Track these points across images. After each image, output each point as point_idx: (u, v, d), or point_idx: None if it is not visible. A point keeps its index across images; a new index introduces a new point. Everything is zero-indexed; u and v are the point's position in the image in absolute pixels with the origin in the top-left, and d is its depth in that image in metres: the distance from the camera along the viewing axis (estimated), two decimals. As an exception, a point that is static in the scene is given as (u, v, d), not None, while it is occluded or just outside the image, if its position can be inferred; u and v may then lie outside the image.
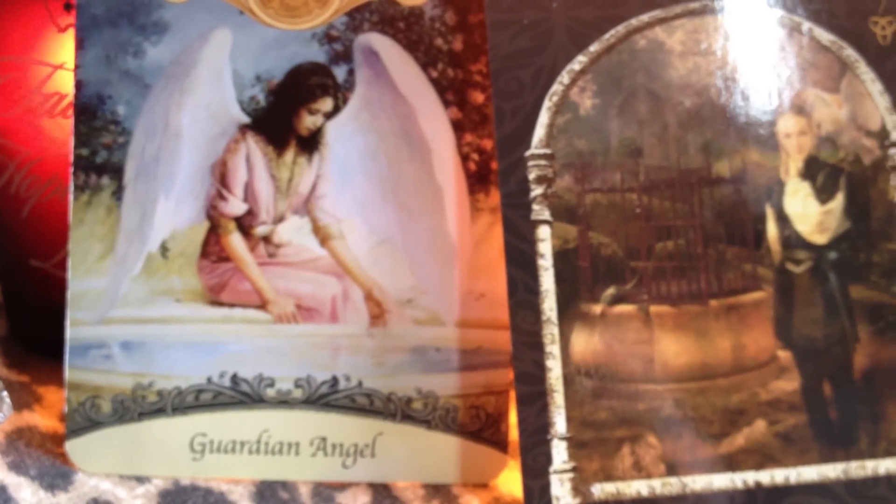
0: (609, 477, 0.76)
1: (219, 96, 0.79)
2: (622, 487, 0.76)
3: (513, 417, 0.78)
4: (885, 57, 0.78)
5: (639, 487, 0.76)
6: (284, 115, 0.79)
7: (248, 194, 0.80)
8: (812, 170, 0.78)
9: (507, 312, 0.76)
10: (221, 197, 0.80)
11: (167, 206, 0.79)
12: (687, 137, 0.77)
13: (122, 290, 0.79)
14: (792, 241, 0.77)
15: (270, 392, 0.80)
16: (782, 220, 0.77)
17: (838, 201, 0.78)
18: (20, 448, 0.80)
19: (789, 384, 0.77)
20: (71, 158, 0.79)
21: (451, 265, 0.80)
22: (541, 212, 0.76)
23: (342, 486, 0.80)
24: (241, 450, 0.80)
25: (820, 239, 0.78)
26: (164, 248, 0.80)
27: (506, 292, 0.76)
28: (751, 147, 0.77)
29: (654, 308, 0.77)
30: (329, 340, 0.80)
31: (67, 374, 0.79)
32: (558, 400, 0.75)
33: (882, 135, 0.78)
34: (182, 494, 0.79)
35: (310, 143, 0.80)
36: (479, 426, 0.80)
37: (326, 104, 0.79)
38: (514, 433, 0.78)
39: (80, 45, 0.78)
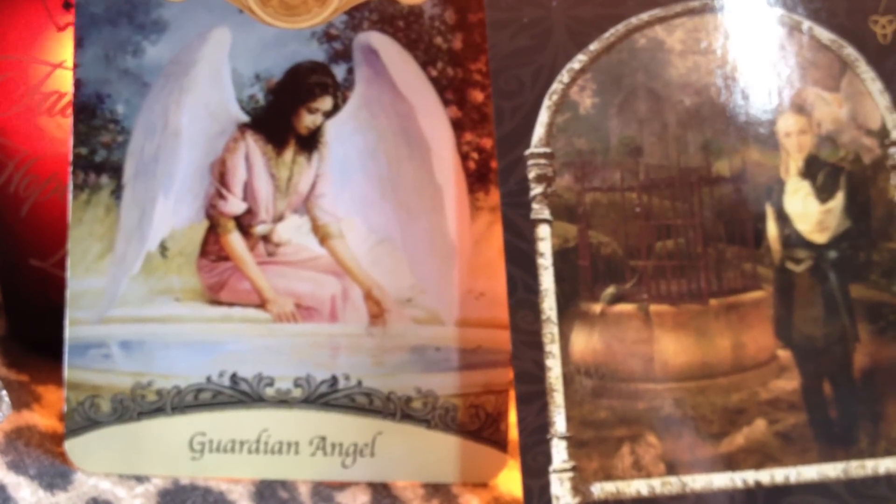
0: (609, 476, 0.76)
1: (218, 95, 0.79)
2: (622, 487, 0.76)
3: (512, 417, 0.78)
4: (886, 56, 0.78)
5: (638, 487, 0.76)
6: (284, 113, 0.79)
7: (248, 193, 0.80)
8: (812, 169, 0.78)
9: (507, 311, 0.76)
10: (221, 196, 0.80)
11: (166, 205, 0.79)
12: (687, 136, 0.77)
13: (121, 290, 0.79)
14: (792, 240, 0.77)
15: (270, 391, 0.80)
16: (782, 219, 0.77)
17: (838, 200, 0.78)
18: (19, 447, 0.80)
19: (789, 383, 0.77)
20: (70, 157, 0.79)
21: (451, 264, 0.79)
22: (540, 211, 0.76)
23: (342, 486, 0.80)
24: (241, 449, 0.80)
25: (820, 238, 0.78)
26: (163, 248, 0.80)
27: (505, 291, 0.76)
28: (751, 146, 0.77)
29: (653, 307, 0.77)
30: (328, 340, 0.80)
31: (66, 373, 0.79)
32: (558, 399, 0.75)
33: (882, 134, 0.78)
34: (181, 494, 0.79)
35: (309, 142, 0.80)
36: (479, 425, 0.80)
37: (326, 103, 0.79)
38: (513, 432, 0.78)
39: (80, 43, 0.78)
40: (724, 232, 0.77)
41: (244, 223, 0.80)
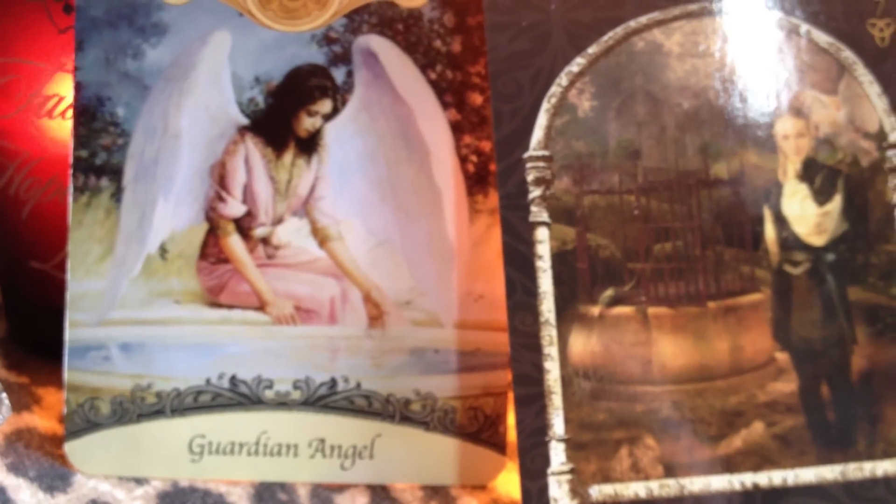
0: (607, 478, 0.76)
1: (218, 98, 0.79)
2: (620, 489, 0.76)
3: (511, 419, 0.78)
4: (884, 59, 0.78)
5: (637, 489, 0.76)
6: (283, 116, 0.80)
7: (247, 196, 0.80)
8: (810, 171, 0.78)
9: (506, 314, 0.76)
10: (220, 198, 0.80)
11: (166, 208, 0.80)
12: (685, 139, 0.77)
13: (121, 292, 0.80)
14: (790, 242, 0.77)
15: (269, 393, 0.80)
16: (780, 221, 0.78)
17: (836, 203, 0.78)
18: (19, 449, 0.80)
19: (787, 386, 0.77)
20: (70, 160, 0.79)
21: (450, 267, 0.80)
22: (539, 213, 0.76)
23: (341, 488, 0.80)
24: (240, 451, 0.80)
25: (818, 241, 0.78)
26: (163, 250, 0.80)
27: (504, 294, 0.76)
28: (749, 149, 0.77)
29: (652, 310, 0.77)
30: (328, 342, 0.80)
31: (66, 375, 0.79)
32: (556, 401, 0.75)
33: (880, 136, 0.78)
34: (181, 496, 0.79)
35: (309, 145, 0.80)
36: (478, 427, 0.80)
37: (325, 106, 0.80)
38: (512, 435, 0.78)
39: (80, 46, 0.79)
40: (722, 234, 0.77)
41: (244, 226, 0.80)
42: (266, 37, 0.79)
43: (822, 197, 0.78)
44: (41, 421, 0.83)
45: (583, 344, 0.76)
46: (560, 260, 0.76)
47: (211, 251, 0.80)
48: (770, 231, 0.77)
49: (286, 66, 0.79)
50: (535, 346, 0.75)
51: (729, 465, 0.76)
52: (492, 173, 0.79)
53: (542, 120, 0.76)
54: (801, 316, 0.77)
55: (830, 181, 0.78)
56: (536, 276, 0.76)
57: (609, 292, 0.77)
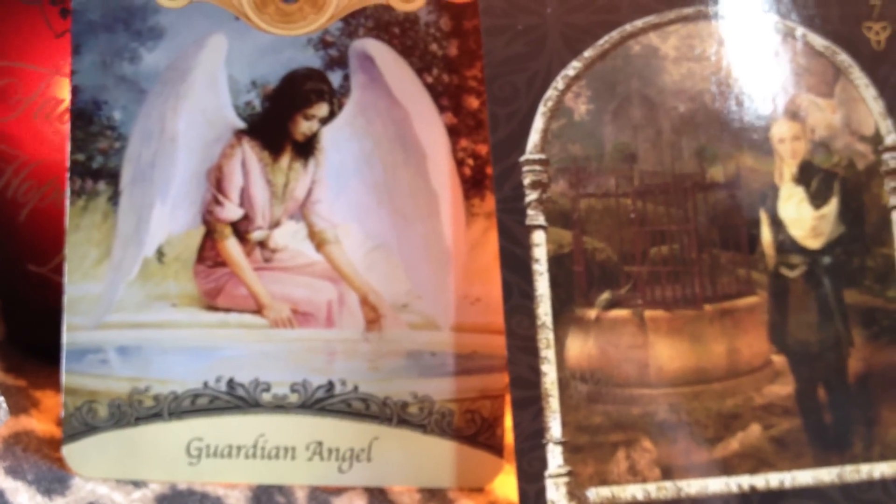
0: (604, 481, 0.76)
1: (214, 102, 0.79)
2: (617, 492, 0.76)
3: (508, 422, 0.78)
4: (879, 62, 0.78)
5: (634, 492, 0.76)
6: (280, 120, 0.80)
7: (244, 199, 0.80)
8: (806, 175, 0.78)
9: (502, 317, 0.76)
10: (217, 202, 0.80)
11: (163, 211, 0.80)
12: (681, 142, 0.77)
13: (119, 295, 0.80)
14: (786, 245, 0.78)
15: (266, 397, 0.80)
16: (776, 224, 0.78)
17: (832, 206, 0.78)
18: (17, 453, 0.81)
19: (784, 388, 0.77)
20: (67, 163, 0.79)
21: (447, 270, 0.80)
22: (535, 217, 0.76)
23: (338, 491, 0.80)
24: (238, 454, 0.80)
25: (814, 244, 0.78)
26: (160, 253, 0.80)
27: (501, 297, 0.76)
28: (745, 152, 0.77)
29: (648, 313, 0.77)
30: (325, 345, 0.80)
31: (64, 378, 0.79)
32: (553, 404, 0.75)
33: (875, 140, 0.78)
34: (179, 499, 0.79)
35: (305, 149, 0.80)
36: (475, 430, 0.80)
37: (322, 109, 0.80)
38: (509, 437, 0.78)
39: (77, 50, 0.78)
40: (718, 237, 0.77)
41: (241, 229, 0.80)
42: (262, 40, 0.79)
43: (818, 200, 0.78)
44: (39, 424, 0.83)
45: (579, 347, 0.76)
46: (556, 263, 0.76)
47: (208, 254, 0.80)
48: (766, 234, 0.77)
49: (283, 69, 0.79)
50: (532, 349, 0.76)
51: (726, 467, 0.76)
52: (488, 177, 0.79)
53: (538, 123, 0.76)
54: (797, 319, 0.77)
55: (826, 184, 0.78)
56: (533, 280, 0.76)
57: (605, 295, 0.77)
